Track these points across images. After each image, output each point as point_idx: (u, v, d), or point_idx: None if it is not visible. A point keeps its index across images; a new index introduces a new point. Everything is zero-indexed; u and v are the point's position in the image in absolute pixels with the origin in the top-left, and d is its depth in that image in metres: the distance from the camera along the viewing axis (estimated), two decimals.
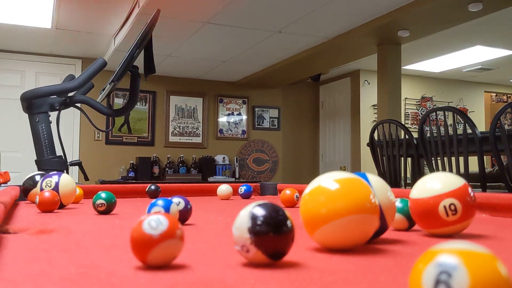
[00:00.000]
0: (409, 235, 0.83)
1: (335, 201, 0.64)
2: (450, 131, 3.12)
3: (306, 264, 0.56)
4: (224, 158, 6.88)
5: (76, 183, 1.59)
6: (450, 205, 0.77)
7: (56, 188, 1.36)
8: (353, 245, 0.66)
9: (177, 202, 0.99)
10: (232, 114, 7.21)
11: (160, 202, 0.91)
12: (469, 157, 3.05)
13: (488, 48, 5.80)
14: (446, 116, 3.21)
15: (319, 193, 0.66)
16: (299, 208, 0.69)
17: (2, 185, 2.39)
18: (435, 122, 5.77)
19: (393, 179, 3.64)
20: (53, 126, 2.84)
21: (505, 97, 8.69)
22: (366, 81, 7.07)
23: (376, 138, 3.90)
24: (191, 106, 6.96)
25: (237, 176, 6.92)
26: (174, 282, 0.47)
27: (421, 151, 3.37)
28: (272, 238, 0.54)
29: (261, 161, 7.35)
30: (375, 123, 4.94)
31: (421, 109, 7.53)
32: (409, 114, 7.44)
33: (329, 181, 0.66)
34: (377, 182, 0.75)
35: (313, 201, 0.66)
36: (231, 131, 7.19)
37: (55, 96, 2.85)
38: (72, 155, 6.09)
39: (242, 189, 1.93)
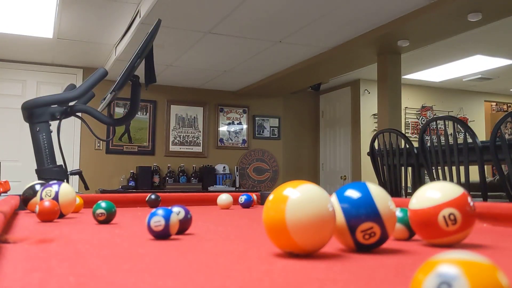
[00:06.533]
0: (409, 245, 0.83)
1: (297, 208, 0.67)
2: (451, 141, 3.13)
3: (303, 273, 0.56)
4: (224, 167, 6.88)
5: (76, 192, 1.59)
6: (449, 215, 0.76)
7: (56, 198, 1.36)
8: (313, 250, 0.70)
9: (177, 212, 0.99)
10: (233, 123, 7.22)
11: (160, 211, 0.91)
12: (469, 167, 3.05)
13: (488, 57, 5.82)
14: (447, 126, 3.22)
15: (280, 201, 0.69)
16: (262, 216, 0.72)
17: (2, 194, 2.39)
18: (435, 131, 5.78)
19: (394, 189, 3.63)
20: (54, 135, 2.84)
21: (505, 107, 8.70)
22: (366, 91, 7.09)
23: (376, 147, 3.90)
24: (192, 116, 6.97)
25: (237, 185, 6.92)
26: None
27: (421, 161, 3.36)
28: None
29: (262, 170, 7.35)
30: (375, 132, 4.94)
31: (421, 119, 7.54)
32: (409, 124, 7.45)
33: (290, 189, 0.70)
34: (377, 192, 0.75)
35: (275, 209, 0.69)
36: (232, 140, 7.19)
37: (56, 106, 2.86)
38: (73, 164, 6.09)
39: (243, 198, 1.93)
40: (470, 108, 7.94)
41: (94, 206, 1.24)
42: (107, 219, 1.22)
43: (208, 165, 6.75)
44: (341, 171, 7.35)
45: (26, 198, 1.55)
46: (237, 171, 6.99)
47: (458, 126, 3.14)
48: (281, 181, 7.45)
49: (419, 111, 7.57)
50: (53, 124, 2.88)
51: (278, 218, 0.67)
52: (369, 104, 7.01)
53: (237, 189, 6.64)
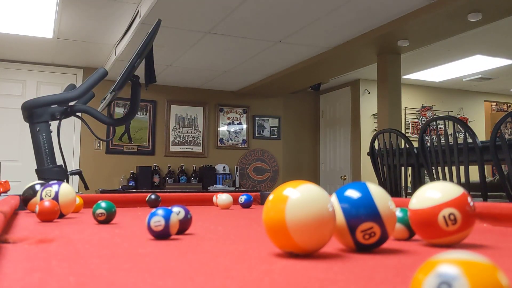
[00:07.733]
0: (409, 245, 0.83)
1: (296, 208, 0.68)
2: (451, 141, 3.13)
3: (303, 273, 0.56)
4: (224, 167, 6.88)
5: (76, 192, 1.59)
6: (449, 215, 0.76)
7: (56, 198, 1.36)
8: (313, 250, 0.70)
9: (177, 212, 0.99)
10: (233, 123, 7.22)
11: (160, 211, 0.91)
12: (469, 167, 3.05)
13: (488, 57, 5.82)
14: (447, 126, 3.21)
15: (280, 201, 0.69)
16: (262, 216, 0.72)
17: (2, 194, 2.39)
18: (435, 131, 5.78)
19: (394, 189, 3.63)
20: (54, 135, 2.84)
21: (505, 107, 8.70)
22: (366, 91, 7.09)
23: (376, 147, 3.90)
24: (192, 116, 6.97)
25: (237, 185, 6.91)
26: None
27: (421, 161, 3.36)
28: None
29: (262, 170, 7.34)
30: (375, 132, 4.94)
31: (421, 119, 7.54)
32: (409, 124, 7.45)
33: (290, 189, 0.70)
34: (377, 192, 0.75)
35: (275, 209, 0.69)
36: (232, 140, 7.19)
37: (56, 106, 2.86)
38: (73, 164, 6.09)
39: (243, 198, 1.93)
40: (470, 108, 7.94)
41: (94, 206, 1.24)
42: (107, 219, 1.22)
43: (208, 165, 6.75)
44: (341, 171, 7.35)
45: (26, 198, 1.55)
46: (237, 171, 6.99)
47: (458, 126, 3.14)
48: (281, 181, 7.44)
49: (419, 111, 7.56)
50: (53, 124, 2.88)
51: (278, 218, 0.68)
52: (369, 104, 7.01)
53: (237, 189, 6.64)
